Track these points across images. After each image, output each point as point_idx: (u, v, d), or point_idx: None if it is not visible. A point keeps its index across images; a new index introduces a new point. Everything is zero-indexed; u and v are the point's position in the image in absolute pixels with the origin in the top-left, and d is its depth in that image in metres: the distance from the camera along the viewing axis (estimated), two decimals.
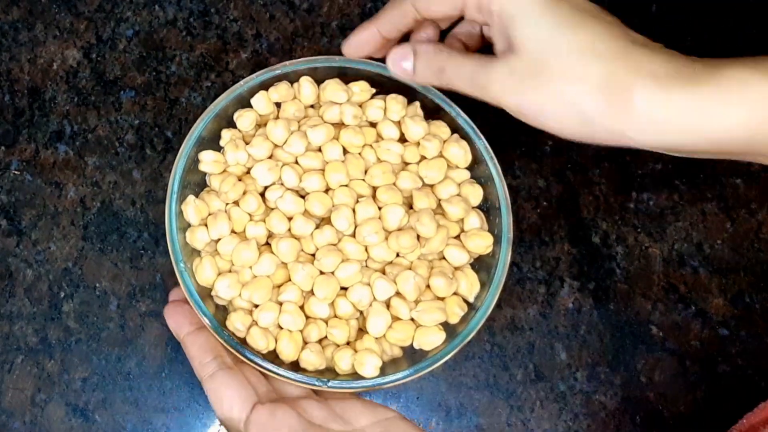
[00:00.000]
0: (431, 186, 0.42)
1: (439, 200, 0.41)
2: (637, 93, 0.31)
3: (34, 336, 0.45)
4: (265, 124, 0.42)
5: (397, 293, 0.39)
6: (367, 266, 0.40)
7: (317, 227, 0.40)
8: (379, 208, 0.40)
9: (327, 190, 0.41)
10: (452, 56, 0.37)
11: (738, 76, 0.30)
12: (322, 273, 0.39)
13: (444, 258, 0.41)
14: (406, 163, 0.42)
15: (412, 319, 0.39)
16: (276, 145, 0.42)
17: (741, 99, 0.30)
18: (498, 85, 0.34)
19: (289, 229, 0.40)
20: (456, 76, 0.36)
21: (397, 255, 0.40)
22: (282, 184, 0.41)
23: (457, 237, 0.41)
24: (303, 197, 0.40)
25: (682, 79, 0.31)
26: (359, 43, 0.40)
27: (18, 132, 0.49)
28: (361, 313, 0.40)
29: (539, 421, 0.44)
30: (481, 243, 0.40)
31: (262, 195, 0.41)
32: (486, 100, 0.35)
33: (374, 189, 0.41)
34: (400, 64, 0.39)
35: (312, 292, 0.39)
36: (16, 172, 0.48)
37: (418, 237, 0.40)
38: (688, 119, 0.31)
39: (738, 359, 0.45)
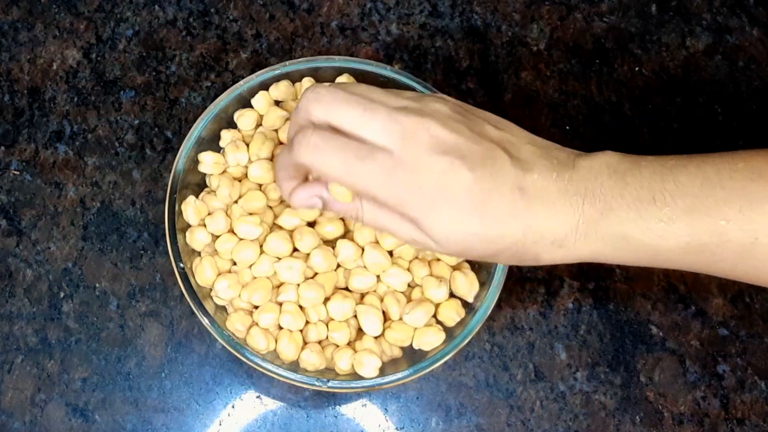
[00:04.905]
0: None
1: None
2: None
3: (34, 336, 0.45)
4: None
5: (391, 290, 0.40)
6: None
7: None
8: None
9: None
10: None
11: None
12: (315, 274, 0.39)
13: (441, 259, 0.41)
14: None
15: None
16: (280, 143, 0.42)
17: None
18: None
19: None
20: None
21: (391, 254, 0.41)
22: None
23: None
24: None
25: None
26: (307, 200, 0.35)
27: (18, 132, 0.49)
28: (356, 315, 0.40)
29: (539, 421, 0.44)
30: None
31: None
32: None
33: None
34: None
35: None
36: (16, 172, 0.48)
37: None
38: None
39: (738, 359, 0.45)
